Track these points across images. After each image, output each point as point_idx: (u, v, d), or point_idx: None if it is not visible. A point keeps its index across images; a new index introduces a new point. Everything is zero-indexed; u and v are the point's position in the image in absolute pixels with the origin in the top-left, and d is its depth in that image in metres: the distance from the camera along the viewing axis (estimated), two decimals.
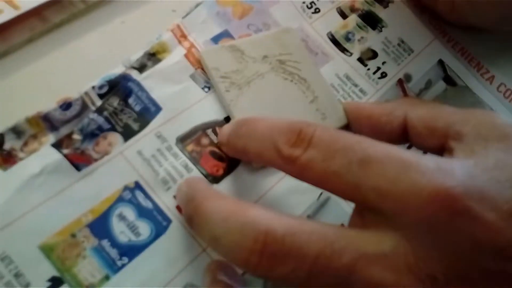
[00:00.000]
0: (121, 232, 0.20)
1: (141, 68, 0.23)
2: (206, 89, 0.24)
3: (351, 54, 0.28)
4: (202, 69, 0.25)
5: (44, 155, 0.20)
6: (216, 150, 0.23)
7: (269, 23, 0.27)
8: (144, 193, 0.21)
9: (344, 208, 0.23)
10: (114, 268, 0.19)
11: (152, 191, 0.21)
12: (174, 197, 0.21)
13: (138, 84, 0.23)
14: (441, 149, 0.20)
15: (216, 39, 0.26)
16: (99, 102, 0.22)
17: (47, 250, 0.19)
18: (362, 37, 0.29)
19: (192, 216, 0.18)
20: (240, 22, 0.27)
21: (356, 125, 0.24)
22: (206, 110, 0.24)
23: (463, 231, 0.15)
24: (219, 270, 0.19)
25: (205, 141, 0.23)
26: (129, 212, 0.20)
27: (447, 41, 0.31)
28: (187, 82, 0.24)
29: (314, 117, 0.25)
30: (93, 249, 0.19)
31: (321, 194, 0.23)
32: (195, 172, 0.22)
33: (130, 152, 0.21)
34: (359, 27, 0.29)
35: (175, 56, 0.24)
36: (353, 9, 0.30)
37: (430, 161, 0.16)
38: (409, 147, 0.24)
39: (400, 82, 0.28)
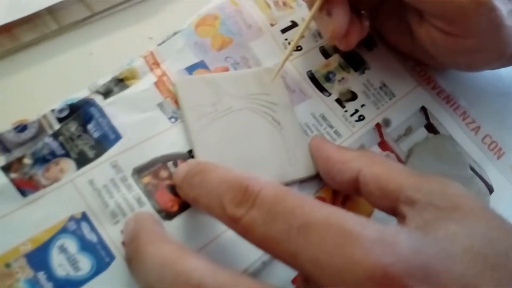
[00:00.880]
0: (59, 265, 0.19)
1: (107, 93, 0.23)
2: (173, 120, 0.24)
3: (330, 94, 0.28)
4: (172, 98, 0.24)
5: None
6: (174, 184, 0.22)
7: (247, 57, 0.27)
8: (90, 225, 0.20)
9: None
10: None
11: (99, 223, 0.20)
12: (122, 231, 0.20)
13: (100, 110, 0.22)
14: (393, 212, 0.19)
15: (190, 69, 0.25)
16: (57, 126, 0.21)
17: None
18: (343, 78, 0.28)
19: (132, 257, 0.17)
20: (218, 53, 0.26)
21: (316, 163, 0.24)
22: (170, 142, 0.23)
23: None
24: None
25: (163, 174, 0.22)
26: (71, 244, 0.19)
27: (432, 88, 0.31)
28: (153, 111, 0.23)
29: (281, 162, 0.24)
30: (27, 281, 0.18)
31: None
32: (148, 207, 0.21)
33: (81, 180, 0.21)
34: (341, 67, 0.29)
35: (144, 84, 0.24)
36: (336, 49, 0.29)
37: (373, 231, 0.15)
38: None
39: (378, 127, 0.28)
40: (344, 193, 0.25)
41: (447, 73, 0.31)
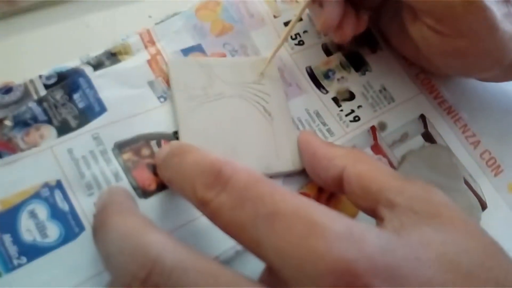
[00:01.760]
0: (27, 230, 0.19)
1: (97, 65, 0.23)
2: (162, 99, 0.23)
3: (327, 92, 0.27)
4: (164, 78, 0.24)
5: None
6: (154, 163, 0.21)
7: (246, 46, 0.27)
8: (63, 194, 0.20)
9: None
10: (8, 266, 0.18)
11: (73, 193, 0.20)
12: (95, 204, 0.20)
13: (89, 81, 0.22)
14: (373, 214, 0.18)
15: (186, 51, 0.25)
16: (43, 92, 0.21)
17: None
18: (342, 77, 0.28)
19: (97, 227, 0.17)
20: (216, 39, 0.26)
21: (302, 158, 0.23)
22: (156, 121, 0.23)
23: None
24: None
25: (145, 152, 0.22)
26: (41, 211, 0.19)
27: (434, 97, 0.30)
28: (143, 88, 0.23)
29: (267, 153, 0.23)
30: None
31: None
32: (124, 182, 0.21)
33: (60, 148, 0.20)
34: (342, 66, 0.28)
35: (137, 60, 0.23)
36: (340, 47, 0.29)
37: (342, 226, 0.14)
38: None
39: (373, 129, 0.27)
40: (329, 190, 0.24)
41: (451, 83, 0.31)
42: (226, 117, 0.23)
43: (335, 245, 0.13)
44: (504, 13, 0.21)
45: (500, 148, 0.30)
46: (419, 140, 0.28)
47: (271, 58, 0.25)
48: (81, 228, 0.19)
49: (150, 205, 0.20)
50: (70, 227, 0.19)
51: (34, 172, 0.20)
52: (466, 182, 0.28)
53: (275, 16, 0.28)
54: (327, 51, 0.29)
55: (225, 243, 0.21)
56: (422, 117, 0.29)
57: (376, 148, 0.27)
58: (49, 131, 0.20)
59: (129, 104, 0.22)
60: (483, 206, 0.28)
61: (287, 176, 0.24)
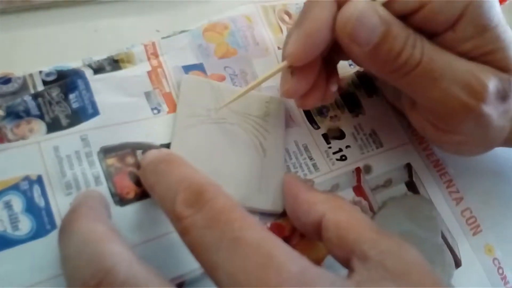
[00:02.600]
0: None
1: (98, 69, 0.23)
2: (156, 111, 0.24)
3: (318, 127, 0.28)
4: (161, 90, 0.24)
5: None
6: (137, 172, 0.22)
7: (246, 72, 0.27)
8: (42, 190, 0.20)
9: None
10: None
11: (52, 190, 0.20)
12: (71, 204, 0.20)
13: (87, 83, 0.22)
14: (347, 264, 0.18)
15: (187, 68, 0.26)
16: (40, 88, 0.22)
17: None
18: (335, 115, 0.28)
19: (63, 227, 0.17)
20: (218, 61, 0.27)
21: (284, 199, 0.23)
22: (146, 131, 0.23)
23: None
24: None
25: (129, 160, 0.22)
26: (17, 203, 0.19)
27: (423, 149, 0.30)
28: (139, 97, 0.24)
29: (250, 186, 0.23)
30: None
31: None
32: (104, 187, 0.21)
33: (47, 144, 0.21)
34: (337, 105, 0.29)
35: (137, 70, 0.24)
36: (338, 88, 0.30)
37: (297, 266, 0.14)
38: None
39: (357, 171, 0.27)
40: (307, 236, 0.24)
41: None
42: (221, 141, 0.24)
43: (285, 283, 0.14)
44: (501, 112, 0.22)
45: (482, 208, 0.30)
46: (402, 188, 0.28)
47: (229, 102, 0.24)
48: (53, 226, 0.19)
49: (125, 214, 0.21)
50: (43, 223, 0.19)
51: (17, 164, 0.20)
52: (444, 237, 0.28)
53: (279, 48, 0.29)
54: None
55: (194, 263, 0.21)
56: (408, 166, 0.29)
57: (358, 190, 0.27)
58: (39, 126, 0.21)
59: (122, 111, 0.23)
60: (457, 264, 0.28)
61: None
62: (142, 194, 0.21)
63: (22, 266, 0.18)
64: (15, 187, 0.20)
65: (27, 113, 0.21)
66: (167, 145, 0.23)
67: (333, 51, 0.23)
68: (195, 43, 0.26)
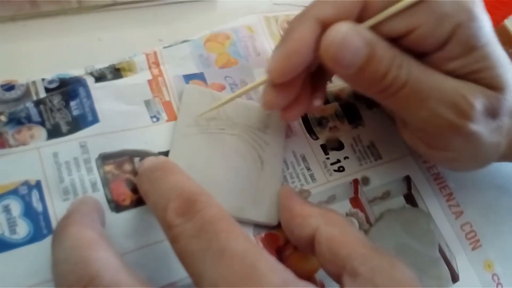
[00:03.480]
0: None
1: (100, 77, 0.24)
2: (155, 119, 0.24)
3: (317, 138, 0.28)
4: (161, 98, 0.25)
5: None
6: (134, 179, 0.22)
7: (247, 82, 0.28)
8: (40, 195, 0.20)
9: None
10: None
11: (49, 196, 0.20)
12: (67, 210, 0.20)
13: (88, 91, 0.23)
14: (338, 279, 0.18)
15: (188, 78, 0.26)
16: (42, 95, 0.22)
17: None
18: (335, 126, 0.29)
19: (56, 232, 0.18)
20: (219, 70, 0.27)
21: (279, 212, 0.23)
22: (144, 139, 0.23)
23: None
24: None
25: (127, 167, 0.22)
26: (16, 207, 0.20)
27: (423, 161, 0.30)
28: (138, 105, 0.24)
29: (245, 198, 0.24)
30: None
31: None
32: (100, 193, 0.21)
33: (47, 150, 0.21)
34: (337, 116, 0.29)
35: (138, 78, 0.25)
36: (338, 98, 0.30)
37: (279, 279, 0.15)
38: None
39: (355, 182, 0.27)
40: (300, 249, 0.23)
41: None
42: (219, 152, 0.24)
43: None
44: (492, 128, 0.22)
45: (482, 223, 0.30)
46: (400, 201, 0.28)
47: (206, 112, 0.24)
48: (50, 230, 0.20)
49: (120, 220, 0.21)
50: (40, 228, 0.20)
51: (17, 169, 0.20)
52: (441, 251, 0.28)
53: None
54: (325, 99, 0.29)
55: (179, 273, 0.21)
56: (407, 179, 0.29)
57: (355, 202, 0.27)
58: (40, 132, 0.21)
59: (121, 119, 0.23)
60: (455, 278, 0.27)
61: None
62: (138, 201, 0.22)
63: (18, 269, 0.19)
64: (14, 192, 0.20)
65: (29, 119, 0.21)
66: (165, 153, 0.23)
67: (322, 68, 0.23)
68: (197, 53, 0.27)
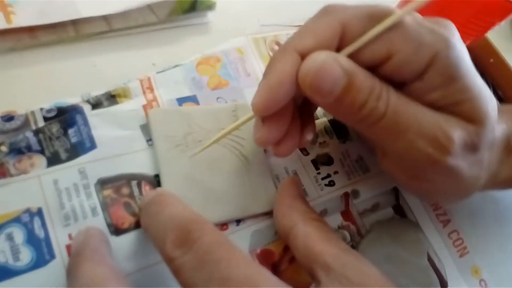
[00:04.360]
0: (1, 251, 0.20)
1: (96, 105, 0.24)
2: (151, 143, 0.25)
3: (308, 154, 0.29)
4: None
5: None
6: (132, 203, 0.23)
7: (238, 101, 0.29)
8: (42, 221, 0.21)
9: None
10: None
11: (51, 222, 0.21)
12: (69, 235, 0.21)
13: (85, 119, 0.24)
14: (311, 273, 0.20)
15: (181, 101, 0.27)
16: (41, 124, 0.23)
17: None
18: (324, 141, 0.30)
19: (69, 270, 0.19)
20: (211, 92, 0.28)
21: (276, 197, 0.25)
22: (140, 162, 0.24)
23: None
24: None
25: (125, 190, 0.23)
26: (18, 235, 0.21)
27: None
28: (134, 130, 0.25)
29: (244, 196, 0.25)
30: None
31: None
32: (100, 218, 0.22)
33: (47, 178, 0.22)
34: (326, 131, 0.30)
35: (133, 104, 0.25)
36: (326, 114, 0.31)
37: None
38: None
39: (345, 196, 0.28)
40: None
41: None
42: (206, 163, 0.25)
43: None
44: (471, 162, 0.22)
45: (469, 230, 0.31)
46: (389, 212, 0.29)
47: (202, 150, 0.25)
48: (52, 256, 0.21)
49: (120, 243, 0.22)
50: (42, 254, 0.20)
51: (19, 197, 0.21)
52: (430, 259, 0.29)
53: None
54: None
55: None
56: (395, 190, 0.30)
57: (347, 215, 0.28)
58: (40, 160, 0.22)
59: (118, 144, 0.24)
60: (444, 285, 0.28)
61: (255, 230, 0.25)
62: (137, 224, 0.22)
63: None
64: (16, 220, 0.21)
65: (29, 148, 0.22)
66: (158, 176, 0.24)
67: (308, 100, 0.23)
68: (189, 76, 0.28)
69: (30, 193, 0.21)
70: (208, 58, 0.29)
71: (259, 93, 0.21)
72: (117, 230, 0.22)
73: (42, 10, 0.26)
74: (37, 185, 0.22)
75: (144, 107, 0.26)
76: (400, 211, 0.30)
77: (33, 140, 0.22)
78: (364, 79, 0.20)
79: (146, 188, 0.24)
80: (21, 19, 0.25)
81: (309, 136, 0.25)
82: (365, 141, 0.30)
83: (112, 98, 0.25)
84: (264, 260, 0.24)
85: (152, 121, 0.25)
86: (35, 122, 0.23)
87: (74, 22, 0.27)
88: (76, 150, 0.23)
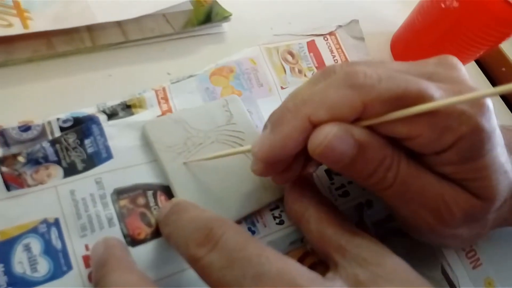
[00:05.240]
0: (19, 262, 0.20)
1: (112, 115, 0.25)
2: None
3: (321, 163, 0.29)
4: None
5: None
6: (148, 213, 0.23)
7: (251, 111, 0.29)
8: (59, 232, 0.21)
9: None
10: None
11: (68, 233, 0.21)
12: (86, 246, 0.21)
13: (101, 129, 0.24)
14: (326, 257, 0.20)
15: None
16: (58, 134, 0.23)
17: None
18: None
19: (98, 282, 0.18)
20: None
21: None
22: (156, 172, 0.24)
23: None
24: None
25: (141, 201, 0.23)
26: (36, 245, 0.21)
27: None
28: None
29: (256, 188, 0.25)
30: None
31: None
32: (117, 228, 0.22)
33: (64, 188, 0.22)
34: None
35: (149, 114, 0.26)
36: None
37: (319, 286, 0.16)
38: None
39: (359, 206, 0.28)
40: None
41: None
42: (211, 165, 0.25)
43: None
44: (472, 228, 0.22)
45: (482, 242, 0.31)
46: None
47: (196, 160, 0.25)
48: (69, 267, 0.21)
49: (137, 254, 0.22)
50: (59, 265, 0.20)
51: (36, 208, 0.21)
52: (444, 271, 0.28)
53: (282, 87, 0.30)
54: None
55: None
56: None
57: (361, 226, 0.28)
58: (57, 171, 0.22)
59: (134, 154, 0.24)
60: None
61: (270, 241, 0.25)
62: (153, 234, 0.22)
63: None
64: (34, 230, 0.21)
65: (46, 159, 0.22)
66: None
67: None
68: (203, 87, 0.28)
69: (47, 203, 0.21)
70: (222, 68, 0.29)
71: (263, 146, 0.20)
72: (133, 241, 0.22)
73: (58, 16, 0.26)
74: (54, 195, 0.22)
75: (159, 117, 0.26)
76: None
77: (50, 150, 0.22)
78: (376, 150, 0.19)
79: (161, 198, 0.24)
80: (37, 24, 0.25)
81: (312, 169, 0.25)
82: None
83: (127, 108, 0.25)
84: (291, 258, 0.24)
85: (150, 133, 0.24)
86: (52, 132, 0.23)
87: (90, 29, 0.27)
88: (93, 161, 0.23)
